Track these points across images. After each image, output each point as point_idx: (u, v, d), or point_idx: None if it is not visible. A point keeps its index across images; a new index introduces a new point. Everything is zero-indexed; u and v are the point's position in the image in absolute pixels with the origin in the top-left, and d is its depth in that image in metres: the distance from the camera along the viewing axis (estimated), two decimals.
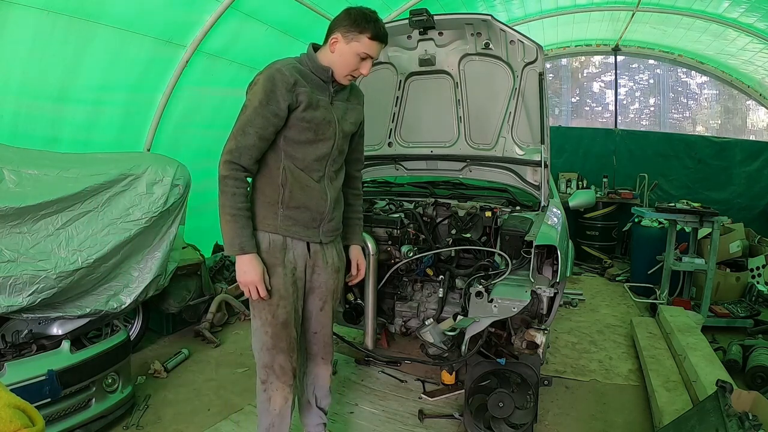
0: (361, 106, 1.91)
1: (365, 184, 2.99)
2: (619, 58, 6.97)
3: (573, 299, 4.61)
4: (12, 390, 0.97)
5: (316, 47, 1.75)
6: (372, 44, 1.65)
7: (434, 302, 2.55)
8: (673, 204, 4.33)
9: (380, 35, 1.65)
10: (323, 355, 2.03)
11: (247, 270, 1.63)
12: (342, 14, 1.67)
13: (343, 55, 1.66)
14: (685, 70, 6.85)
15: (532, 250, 2.07)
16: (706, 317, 3.77)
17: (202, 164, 3.84)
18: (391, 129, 3.16)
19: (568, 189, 6.57)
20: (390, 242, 2.52)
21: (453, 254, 2.59)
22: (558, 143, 6.43)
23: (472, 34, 2.65)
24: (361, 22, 1.63)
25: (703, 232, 4.31)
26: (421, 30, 2.68)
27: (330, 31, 1.69)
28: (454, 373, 2.84)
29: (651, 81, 7.11)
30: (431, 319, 2.32)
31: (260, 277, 1.65)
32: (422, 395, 2.82)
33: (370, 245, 2.35)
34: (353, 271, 2.06)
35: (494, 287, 2.09)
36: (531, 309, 2.11)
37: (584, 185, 6.64)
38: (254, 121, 1.59)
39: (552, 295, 2.10)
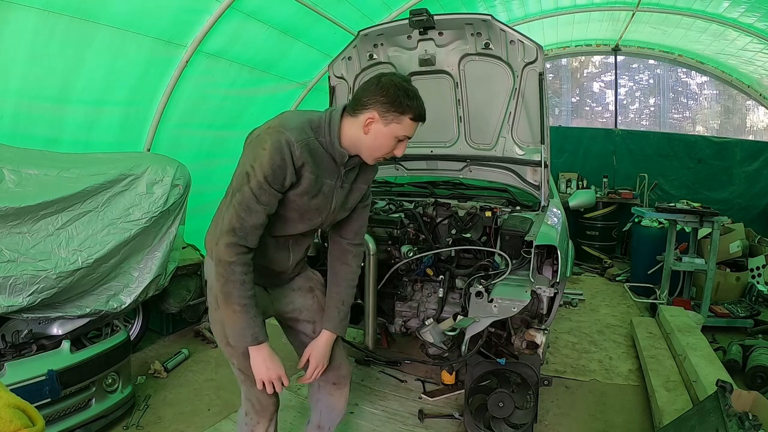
0: (368, 183, 1.66)
1: None
2: (619, 58, 6.97)
3: (573, 299, 4.61)
4: (12, 390, 0.96)
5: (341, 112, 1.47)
6: (414, 125, 1.44)
7: (434, 302, 2.55)
8: (673, 204, 4.33)
9: (423, 114, 1.44)
10: (335, 380, 1.81)
11: (270, 365, 1.44)
12: (374, 87, 1.40)
13: (379, 137, 1.42)
14: (685, 70, 6.85)
15: (532, 250, 2.07)
16: (706, 317, 3.77)
17: (202, 164, 3.85)
18: None
19: (568, 189, 6.57)
20: (390, 242, 2.52)
21: (453, 254, 2.59)
22: (558, 143, 6.42)
23: (472, 34, 2.65)
24: (404, 100, 1.39)
25: (703, 232, 4.31)
26: (421, 30, 2.68)
27: (361, 104, 1.41)
28: (454, 373, 2.84)
29: (651, 81, 7.11)
30: (431, 319, 2.33)
31: (284, 369, 1.47)
32: (422, 395, 2.82)
33: (370, 245, 2.35)
34: (301, 362, 1.67)
35: (494, 287, 2.09)
36: (531, 309, 2.11)
37: (584, 185, 6.64)
38: (261, 198, 1.36)
39: (552, 295, 2.10)
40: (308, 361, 1.66)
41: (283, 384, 1.49)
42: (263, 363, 1.44)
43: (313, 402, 1.91)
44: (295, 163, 1.37)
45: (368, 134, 1.42)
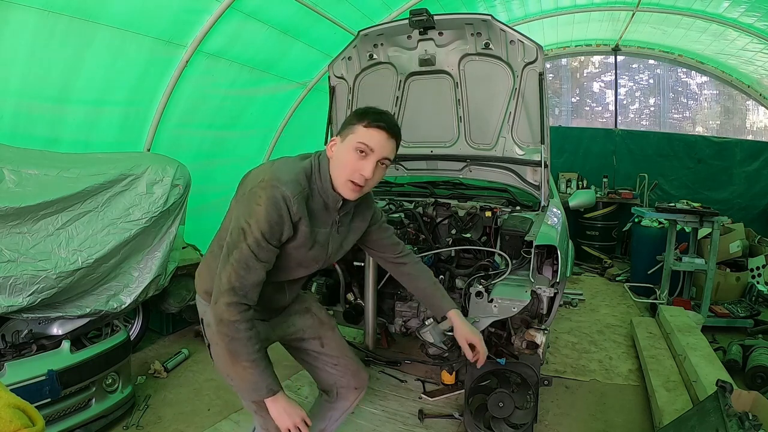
0: (367, 221, 1.65)
1: None
2: (619, 58, 6.97)
3: (573, 299, 4.61)
4: (12, 390, 0.96)
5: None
6: (369, 132, 1.35)
7: None
8: (673, 204, 4.33)
9: (381, 122, 1.37)
10: (357, 384, 1.81)
11: (290, 411, 1.40)
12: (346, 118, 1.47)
13: (340, 155, 1.38)
14: (685, 70, 6.85)
15: (532, 250, 2.07)
16: (706, 317, 3.77)
17: (202, 164, 3.84)
18: None
19: (568, 189, 6.58)
20: None
21: (453, 254, 2.59)
22: (558, 143, 6.43)
23: (472, 34, 2.65)
24: (360, 113, 1.39)
25: (703, 232, 4.31)
26: (421, 30, 2.68)
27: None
28: (454, 373, 2.84)
29: (651, 81, 7.11)
30: (431, 319, 2.31)
31: (304, 410, 1.44)
32: (422, 395, 2.82)
33: None
34: (465, 351, 1.72)
35: (494, 287, 2.09)
36: (531, 309, 2.11)
37: (584, 185, 6.64)
38: (260, 256, 1.34)
39: (552, 295, 2.10)
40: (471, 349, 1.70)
41: (307, 424, 1.43)
42: (283, 411, 1.40)
43: (324, 412, 1.85)
44: (292, 218, 1.35)
45: (332, 157, 1.41)
